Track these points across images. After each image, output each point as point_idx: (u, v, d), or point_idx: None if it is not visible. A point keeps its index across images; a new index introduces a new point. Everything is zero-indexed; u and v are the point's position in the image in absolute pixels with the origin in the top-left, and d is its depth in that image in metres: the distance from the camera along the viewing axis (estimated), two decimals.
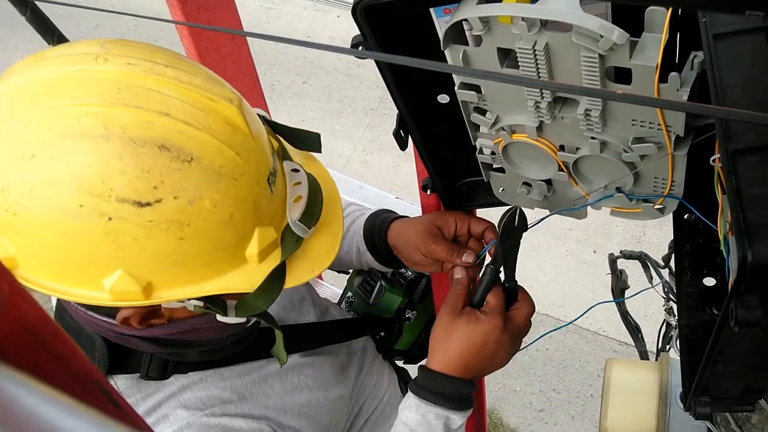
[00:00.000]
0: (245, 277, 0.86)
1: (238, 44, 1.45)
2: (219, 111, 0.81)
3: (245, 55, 1.48)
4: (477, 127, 0.94)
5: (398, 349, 1.53)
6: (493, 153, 0.99)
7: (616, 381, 1.29)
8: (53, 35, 1.27)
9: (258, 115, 0.94)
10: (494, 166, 1.03)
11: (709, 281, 0.96)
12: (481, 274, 1.11)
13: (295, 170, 0.95)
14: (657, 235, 4.03)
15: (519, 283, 1.11)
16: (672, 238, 1.06)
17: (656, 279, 1.65)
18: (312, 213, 0.93)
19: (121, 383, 1.03)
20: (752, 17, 0.39)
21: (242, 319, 0.91)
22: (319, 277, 2.25)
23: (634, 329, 1.90)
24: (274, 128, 0.97)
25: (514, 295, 1.11)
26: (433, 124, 1.01)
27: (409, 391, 1.12)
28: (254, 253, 0.85)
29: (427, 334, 1.54)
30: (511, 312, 1.10)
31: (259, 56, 1.54)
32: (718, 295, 0.95)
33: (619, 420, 1.25)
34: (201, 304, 0.87)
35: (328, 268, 1.04)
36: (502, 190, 1.07)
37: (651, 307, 3.04)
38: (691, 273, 0.97)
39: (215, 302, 0.88)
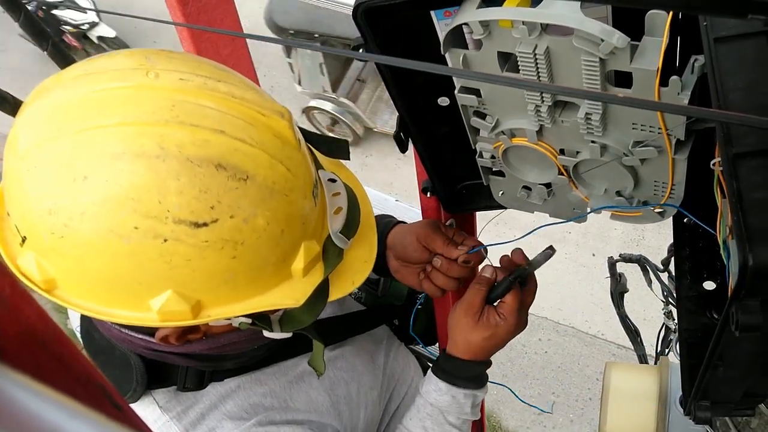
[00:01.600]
0: (291, 292, 0.85)
1: (237, 46, 1.45)
2: (269, 125, 0.80)
3: (245, 57, 1.48)
4: (477, 131, 0.94)
5: (414, 334, 1.54)
6: (492, 157, 0.99)
7: (616, 385, 1.29)
8: (47, 41, 1.26)
9: None
10: (494, 169, 1.03)
11: (709, 285, 0.96)
12: (504, 277, 1.15)
13: (332, 180, 0.94)
14: (656, 238, 4.04)
15: None
16: (671, 241, 1.06)
17: (655, 283, 1.65)
18: (352, 224, 0.92)
19: (160, 397, 1.02)
20: (754, 21, 0.39)
21: (288, 334, 0.90)
22: None
23: (633, 333, 1.90)
24: (305, 136, 0.95)
25: (522, 285, 1.17)
26: (433, 126, 1.01)
27: (434, 376, 1.19)
28: (300, 268, 0.85)
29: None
30: (523, 299, 1.15)
31: (258, 58, 1.54)
32: (718, 299, 0.94)
33: (618, 424, 1.25)
34: (248, 321, 0.86)
35: None
36: (502, 193, 1.07)
37: (650, 310, 3.04)
38: (691, 277, 0.97)
39: (261, 318, 0.87)
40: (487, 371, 1.21)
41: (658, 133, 0.80)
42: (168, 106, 0.74)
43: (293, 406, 1.10)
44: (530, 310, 1.19)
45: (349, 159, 1.00)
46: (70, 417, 0.26)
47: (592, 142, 0.85)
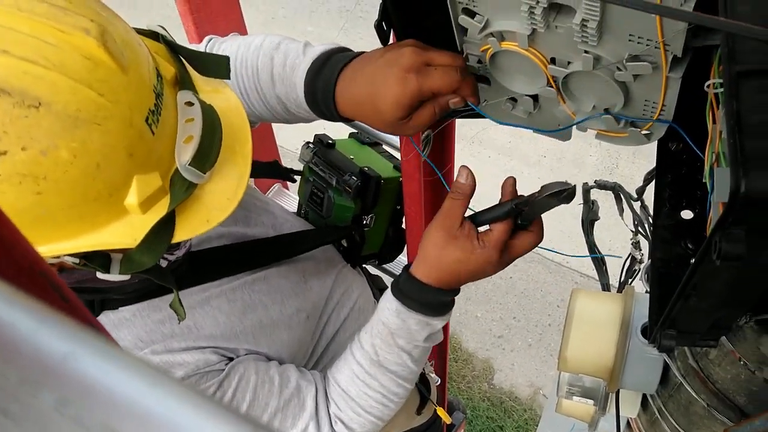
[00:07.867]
0: (127, 230, 0.78)
1: None
2: (74, 44, 0.70)
3: None
4: (464, 30, 0.88)
5: (368, 254, 1.51)
6: (479, 61, 0.93)
7: (581, 310, 1.28)
8: None
9: (151, 32, 0.83)
10: (479, 74, 0.97)
11: (687, 214, 0.93)
12: (500, 202, 1.03)
13: (189, 104, 0.83)
14: (630, 168, 4.04)
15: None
16: (645, 171, 1.03)
17: (626, 212, 1.64)
18: (206, 155, 0.82)
19: None
20: None
21: (126, 277, 0.83)
22: (285, 186, 2.19)
23: (599, 261, 1.90)
24: (175, 50, 0.85)
25: (523, 227, 1.06)
26: (418, 18, 0.94)
27: (390, 294, 1.09)
28: (134, 204, 0.77)
29: (395, 231, 1.51)
30: (514, 241, 1.04)
31: None
32: (694, 230, 0.92)
33: (579, 349, 1.25)
34: (77, 260, 0.80)
35: None
36: (486, 102, 1.01)
37: (615, 241, 3.06)
38: (670, 204, 0.95)
39: (95, 258, 0.81)
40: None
41: (656, 47, 0.75)
42: None
43: (197, 331, 1.04)
44: None
45: (228, 78, 0.90)
46: (8, 305, 0.22)
47: (586, 52, 0.80)
